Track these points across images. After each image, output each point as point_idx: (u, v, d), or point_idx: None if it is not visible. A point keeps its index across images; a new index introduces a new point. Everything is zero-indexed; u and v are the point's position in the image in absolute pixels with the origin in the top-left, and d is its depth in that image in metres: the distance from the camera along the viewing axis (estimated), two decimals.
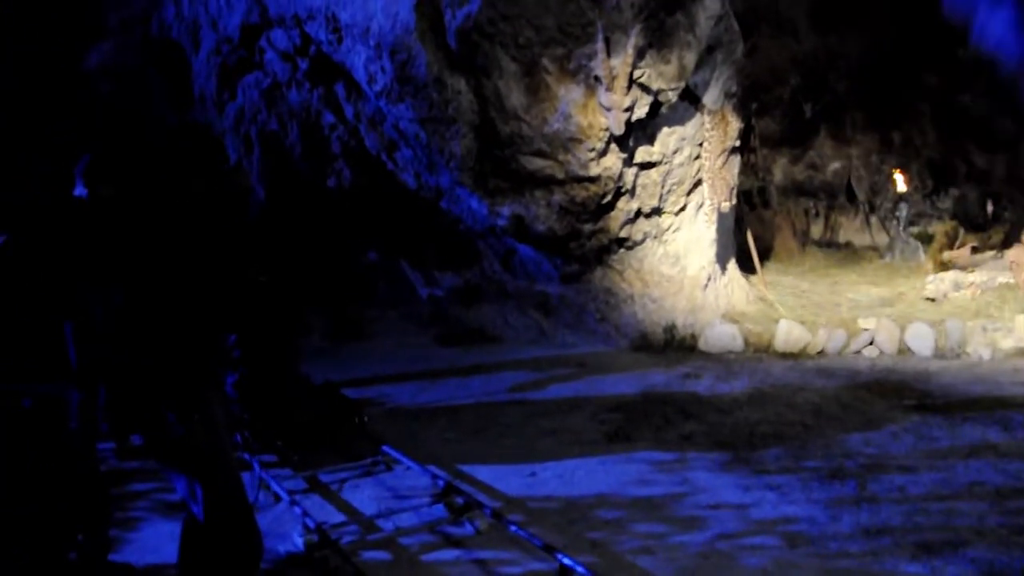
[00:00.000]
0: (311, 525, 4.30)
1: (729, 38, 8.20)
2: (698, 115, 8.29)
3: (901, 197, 12.13)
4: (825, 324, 8.36)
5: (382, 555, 4.19)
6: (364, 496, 4.95)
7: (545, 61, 7.47)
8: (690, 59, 7.70)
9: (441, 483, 4.84)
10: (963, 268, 9.62)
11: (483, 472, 5.22)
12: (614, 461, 5.38)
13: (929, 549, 3.93)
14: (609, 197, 7.93)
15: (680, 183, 8.34)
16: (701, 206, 8.64)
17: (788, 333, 8.26)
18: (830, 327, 8.29)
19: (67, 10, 10.14)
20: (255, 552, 3.24)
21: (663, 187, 8.22)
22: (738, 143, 9.21)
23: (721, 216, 8.95)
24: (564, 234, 8.06)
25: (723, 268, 9.18)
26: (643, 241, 8.35)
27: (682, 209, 8.48)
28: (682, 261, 8.59)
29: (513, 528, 4.21)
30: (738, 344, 8.35)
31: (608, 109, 7.45)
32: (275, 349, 5.93)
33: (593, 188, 7.83)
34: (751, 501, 4.64)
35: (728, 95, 8.57)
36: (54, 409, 3.79)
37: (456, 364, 8.21)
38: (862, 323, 8.28)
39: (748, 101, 9.73)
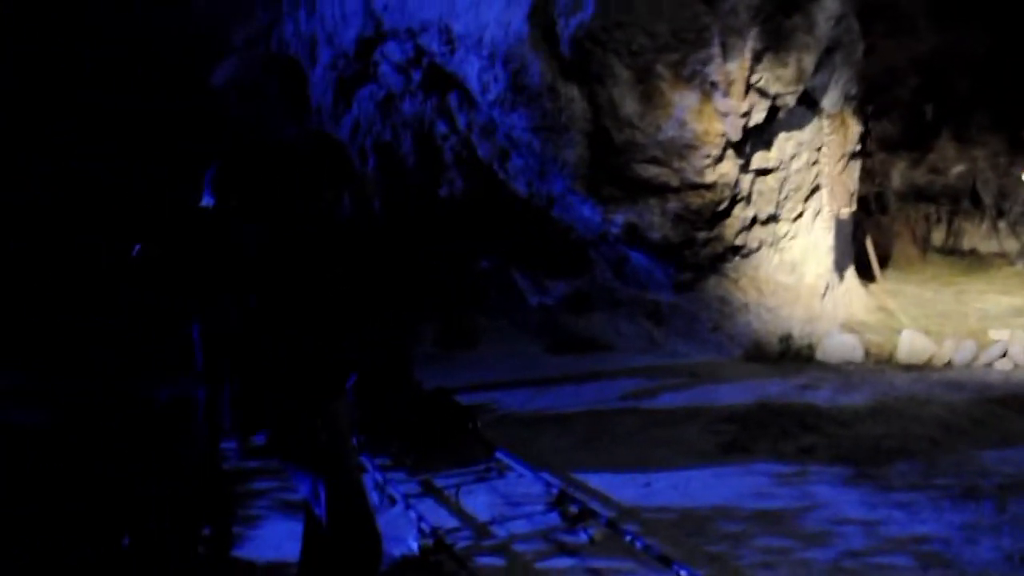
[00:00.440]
0: (426, 529, 4.34)
1: (849, 39, 7.96)
2: (816, 119, 8.07)
3: None
4: (952, 334, 7.99)
5: (496, 561, 4.19)
6: (478, 501, 4.95)
7: (659, 67, 7.38)
8: (808, 62, 7.50)
9: (555, 490, 4.81)
10: None
11: (596, 480, 5.16)
12: (730, 473, 5.24)
13: None
14: (725, 204, 7.78)
15: (797, 189, 8.12)
16: (819, 213, 8.40)
17: (911, 343, 7.93)
18: (957, 337, 7.91)
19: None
20: (375, 554, 3.27)
21: (780, 193, 8.02)
22: (858, 147, 8.94)
23: (839, 223, 8.67)
24: (678, 242, 7.94)
25: (841, 276, 8.89)
26: (759, 249, 8.16)
27: (799, 216, 8.26)
28: (799, 269, 8.35)
29: (629, 537, 4.15)
30: (858, 355, 8.06)
31: (724, 115, 7.32)
32: (391, 352, 6.02)
33: (709, 195, 7.69)
34: (878, 518, 4.45)
35: (848, 98, 8.31)
36: (185, 407, 3.93)
37: (567, 372, 8.15)
38: (993, 334, 7.88)
39: (864, 104, 9.41)
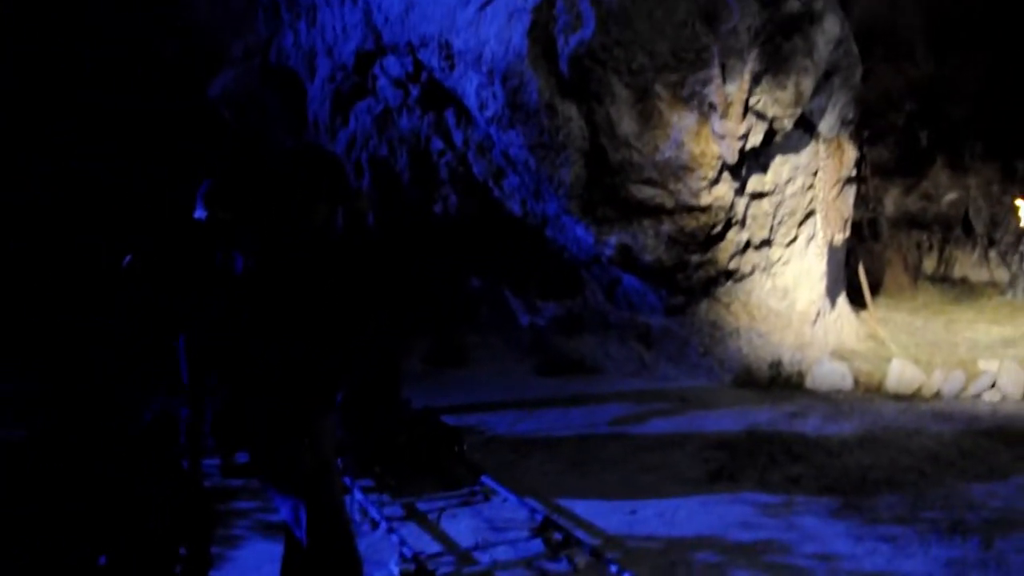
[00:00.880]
0: (408, 554, 4.29)
1: (848, 63, 7.97)
2: (813, 143, 8.07)
3: None
4: (941, 364, 7.96)
5: None
6: (461, 526, 4.91)
7: (658, 87, 7.38)
8: (807, 85, 7.51)
9: (539, 517, 4.77)
10: None
11: (582, 507, 5.13)
12: (717, 502, 5.22)
13: None
14: (719, 228, 7.77)
15: (792, 214, 8.11)
16: (812, 238, 8.38)
17: (901, 373, 7.90)
18: (947, 368, 7.89)
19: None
20: None
21: (774, 218, 8.01)
22: (854, 172, 8.93)
23: (832, 249, 8.66)
24: (671, 265, 7.92)
25: (833, 303, 8.87)
26: (751, 273, 8.14)
27: (793, 241, 8.24)
28: (791, 295, 8.34)
29: (613, 568, 4.11)
30: (847, 383, 8.03)
31: (722, 137, 7.31)
32: (378, 372, 5.97)
33: (703, 218, 7.68)
34: (863, 552, 4.42)
35: (844, 122, 8.32)
36: (168, 424, 3.89)
37: (556, 394, 8.11)
38: (982, 364, 7.85)
39: (860, 128, 9.42)
